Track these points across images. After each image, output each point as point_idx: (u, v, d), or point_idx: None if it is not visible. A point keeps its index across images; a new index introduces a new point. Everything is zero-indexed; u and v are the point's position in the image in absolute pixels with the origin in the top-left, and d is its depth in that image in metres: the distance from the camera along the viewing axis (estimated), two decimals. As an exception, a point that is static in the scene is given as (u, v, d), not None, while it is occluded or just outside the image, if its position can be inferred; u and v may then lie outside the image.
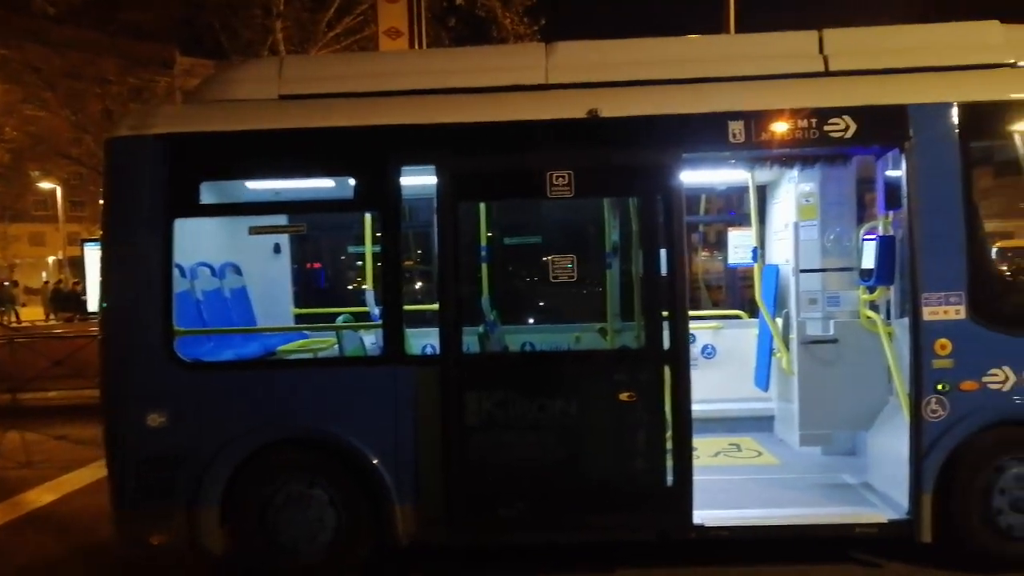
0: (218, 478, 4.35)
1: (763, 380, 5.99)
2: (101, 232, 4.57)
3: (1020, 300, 4.49)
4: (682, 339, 4.23)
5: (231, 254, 6.27)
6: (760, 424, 6.26)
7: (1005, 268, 4.64)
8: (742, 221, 6.61)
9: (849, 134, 4.31)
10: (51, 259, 43.88)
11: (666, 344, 4.26)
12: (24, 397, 11.78)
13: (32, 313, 26.87)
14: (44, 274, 42.16)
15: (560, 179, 4.28)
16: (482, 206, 6.06)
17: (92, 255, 23.30)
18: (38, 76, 27.60)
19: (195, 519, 4.34)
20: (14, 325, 21.10)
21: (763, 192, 6.34)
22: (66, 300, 22.48)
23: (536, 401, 4.32)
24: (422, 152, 4.42)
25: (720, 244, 9.18)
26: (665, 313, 4.27)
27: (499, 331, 6.15)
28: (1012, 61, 4.43)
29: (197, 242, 5.48)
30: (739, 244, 6.35)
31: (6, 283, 30.50)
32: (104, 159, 4.53)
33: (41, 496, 6.97)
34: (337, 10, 17.12)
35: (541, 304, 6.91)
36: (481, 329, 5.72)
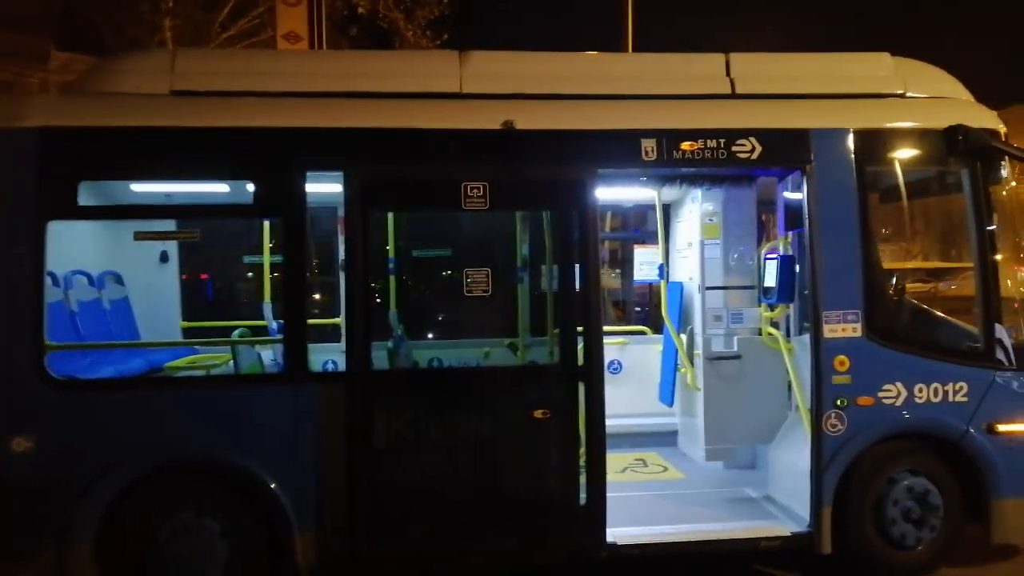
0: (93, 509, 3.92)
1: (668, 395, 6.07)
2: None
3: (910, 318, 4.74)
4: (596, 355, 4.19)
5: (112, 262, 5.78)
6: (664, 439, 6.33)
7: (897, 288, 4.85)
8: (646, 239, 6.72)
9: (755, 155, 4.42)
10: None
11: (580, 360, 4.21)
12: None
13: None
14: None
15: (475, 191, 4.17)
16: (390, 216, 5.85)
17: None
18: None
19: (66, 557, 3.89)
20: None
21: (667, 210, 6.47)
22: None
23: (448, 419, 4.16)
24: (330, 157, 4.20)
25: (623, 261, 9.38)
26: (579, 329, 4.22)
27: (406, 346, 5.95)
28: (901, 92, 4.70)
29: (73, 248, 5.00)
30: (645, 261, 6.44)
31: None
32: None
33: None
34: (232, 10, 16.44)
35: (449, 318, 6.76)
36: (390, 344, 5.51)
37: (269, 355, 5.32)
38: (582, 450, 4.20)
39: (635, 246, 6.63)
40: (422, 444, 4.15)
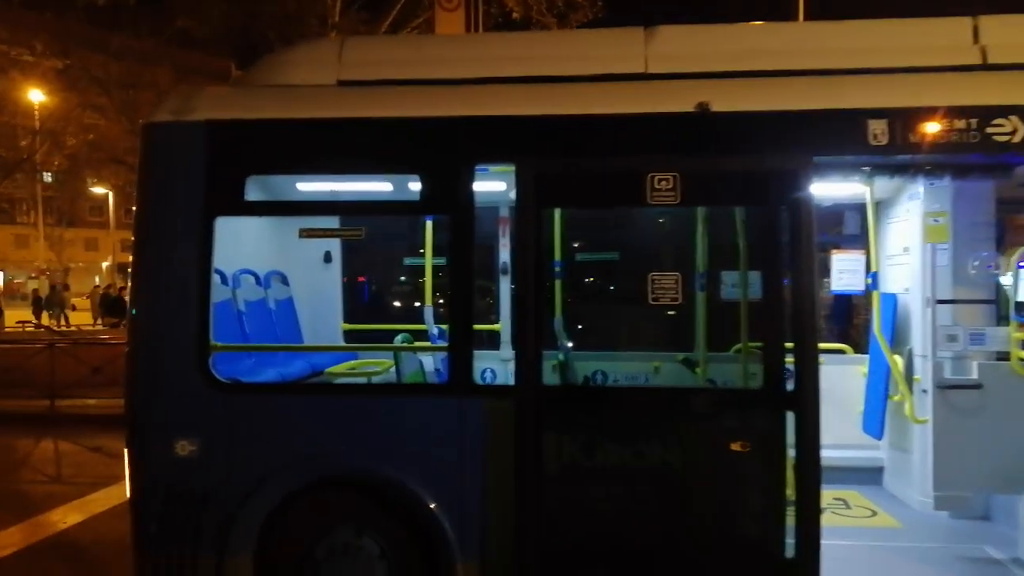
0: (254, 520, 3.73)
1: (876, 426, 5.17)
2: (134, 230, 4.04)
3: None
4: (811, 380, 3.48)
5: (277, 262, 5.73)
6: (866, 476, 5.44)
7: None
8: (841, 243, 5.83)
9: (1017, 137, 3.55)
10: (105, 264, 44.69)
11: (790, 384, 3.52)
12: (62, 404, 11.46)
13: (81, 317, 27.06)
14: (97, 279, 42.87)
15: (663, 183, 3.60)
16: (556, 215, 5.38)
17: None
18: (95, 83, 28.13)
19: (225, 568, 3.72)
20: (61, 328, 21.10)
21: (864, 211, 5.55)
22: (113, 305, 22.44)
23: (629, 447, 3.62)
24: (501, 149, 3.79)
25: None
26: (790, 346, 3.54)
27: (571, 358, 5.47)
28: None
29: (240, 246, 4.93)
30: (845, 269, 5.56)
31: (57, 286, 30.88)
32: (140, 147, 4.00)
33: (66, 516, 6.48)
34: (393, 22, 16.87)
35: (614, 328, 6.20)
36: (560, 356, 5.03)
37: (428, 362, 5.03)
38: (791, 494, 3.51)
39: (833, 251, 5.76)
40: (599, 473, 3.63)
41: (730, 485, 3.62)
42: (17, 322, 21.54)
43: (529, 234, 3.69)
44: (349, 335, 6.05)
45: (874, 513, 4.92)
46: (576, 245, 6.17)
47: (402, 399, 3.95)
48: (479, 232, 5.83)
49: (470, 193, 3.76)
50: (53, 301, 27.50)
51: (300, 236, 4.08)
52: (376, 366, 4.70)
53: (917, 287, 4.94)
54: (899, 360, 4.94)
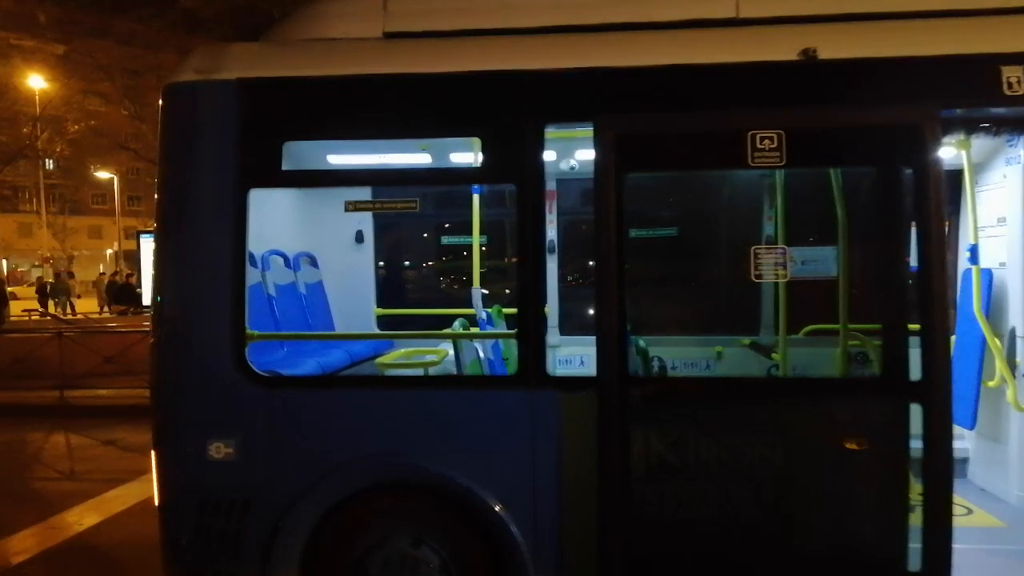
0: (299, 531, 3.31)
1: (968, 415, 4.71)
2: (156, 207, 3.58)
3: None
4: (942, 366, 3.03)
5: (304, 241, 5.28)
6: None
7: None
8: None
9: None
10: (109, 252, 44.37)
11: (914, 373, 3.07)
12: (72, 395, 11.06)
13: (87, 305, 26.67)
14: (101, 266, 42.50)
15: (766, 142, 3.13)
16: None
17: (148, 247, 22.92)
18: (100, 69, 27.75)
19: (269, 583, 3.31)
20: (68, 317, 20.72)
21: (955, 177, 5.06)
22: (120, 293, 22.00)
23: (727, 444, 3.17)
24: (576, 107, 3.32)
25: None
26: (913, 328, 3.08)
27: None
28: None
29: (264, 225, 4.48)
30: None
31: (62, 274, 30.46)
32: (162, 112, 3.53)
33: (83, 517, 6.08)
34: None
35: (671, 310, 5.73)
36: (642, 343, 4.57)
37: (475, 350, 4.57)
38: (916, 498, 3.06)
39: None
40: (692, 473, 3.19)
41: (844, 486, 3.18)
42: (23, 311, 21.16)
43: (609, 205, 3.22)
44: (382, 321, 5.60)
45: (969, 511, 4.47)
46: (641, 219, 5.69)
47: (465, 392, 3.50)
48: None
49: (539, 158, 3.30)
50: (59, 289, 27.12)
51: (347, 210, 3.62)
52: (428, 355, 4.24)
53: (1018, 261, 4.46)
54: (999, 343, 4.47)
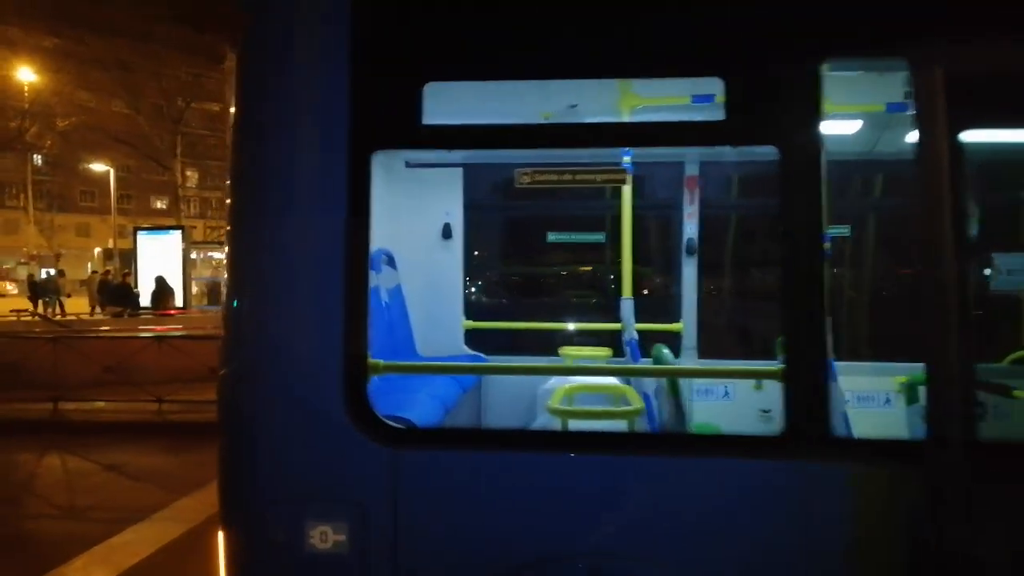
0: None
1: None
2: (231, 184, 2.47)
3: None
4: None
5: (378, 236, 4.17)
6: None
7: None
8: None
9: None
10: (97, 250, 42.96)
11: None
12: (67, 408, 9.86)
13: (77, 305, 25.30)
14: (89, 265, 41.07)
15: None
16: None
17: (145, 245, 21.60)
18: (94, 61, 26.98)
19: None
20: (57, 318, 19.39)
21: None
22: (116, 293, 20.61)
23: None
24: (880, 33, 2.23)
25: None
26: None
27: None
28: None
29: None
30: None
31: (51, 271, 29.05)
32: (241, 39, 2.42)
33: (88, 570, 4.93)
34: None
35: (845, 330, 4.64)
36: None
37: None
38: None
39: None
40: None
41: None
42: (11, 311, 19.86)
43: (938, 169, 2.13)
44: (472, 336, 4.49)
45: None
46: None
47: (699, 460, 2.38)
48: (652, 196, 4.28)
49: (818, 109, 2.21)
50: (48, 287, 25.75)
51: (519, 183, 2.49)
52: (612, 392, 3.07)
53: None
54: None
